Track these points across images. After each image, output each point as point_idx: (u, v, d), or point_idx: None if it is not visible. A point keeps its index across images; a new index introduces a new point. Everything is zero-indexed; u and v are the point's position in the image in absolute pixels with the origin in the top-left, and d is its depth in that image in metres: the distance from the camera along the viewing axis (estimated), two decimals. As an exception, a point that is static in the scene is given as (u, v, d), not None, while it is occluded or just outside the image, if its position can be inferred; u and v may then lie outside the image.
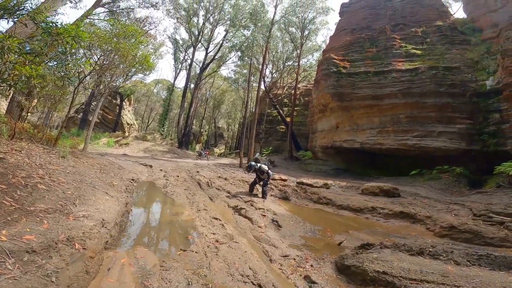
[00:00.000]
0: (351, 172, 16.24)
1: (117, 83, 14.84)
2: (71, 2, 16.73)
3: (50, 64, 7.20)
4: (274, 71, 31.49)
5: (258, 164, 8.28)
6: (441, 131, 12.72)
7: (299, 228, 5.93)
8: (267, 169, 8.20)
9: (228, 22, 28.73)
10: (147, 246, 4.26)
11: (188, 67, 32.11)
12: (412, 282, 2.99)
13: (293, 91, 26.40)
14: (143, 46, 14.71)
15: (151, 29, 24.75)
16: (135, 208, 6.30)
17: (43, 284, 2.25)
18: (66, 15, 71.15)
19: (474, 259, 3.56)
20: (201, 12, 31.20)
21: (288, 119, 25.60)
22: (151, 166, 11.65)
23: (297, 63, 26.31)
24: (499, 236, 4.97)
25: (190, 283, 3.11)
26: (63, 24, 5.85)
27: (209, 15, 30.92)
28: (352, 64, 16.06)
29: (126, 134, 30.53)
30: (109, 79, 11.14)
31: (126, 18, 19.85)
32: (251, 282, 3.37)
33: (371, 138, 14.80)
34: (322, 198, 8.55)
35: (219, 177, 10.80)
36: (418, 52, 14.92)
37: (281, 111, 27.79)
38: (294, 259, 4.21)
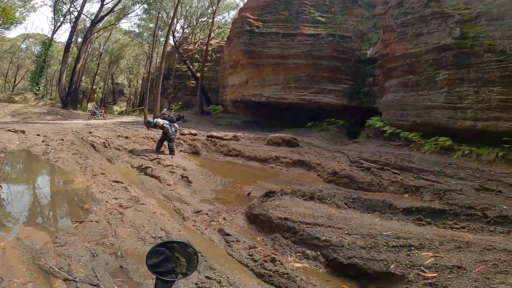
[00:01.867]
0: (259, 125, 17.49)
1: None
2: None
3: None
4: (186, 26, 29.68)
5: (156, 120, 7.94)
6: (331, 89, 15.14)
7: (210, 182, 6.00)
8: (161, 123, 7.70)
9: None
10: (31, 224, 3.67)
11: (74, 20, 25.89)
12: (308, 226, 3.31)
13: (204, 47, 25.94)
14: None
15: None
16: (5, 183, 5.13)
17: None
18: None
19: (350, 202, 4.11)
20: None
21: (198, 75, 24.94)
22: (23, 132, 9.42)
23: (211, 20, 25.59)
24: (367, 181, 6.02)
25: (95, 254, 2.84)
26: None
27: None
28: (265, 24, 16.73)
29: None
30: None
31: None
32: (165, 243, 3.25)
33: (276, 93, 16.36)
34: (232, 150, 8.80)
35: (119, 136, 9.54)
36: (323, 19, 16.49)
37: (191, 66, 26.80)
38: (207, 214, 4.26)
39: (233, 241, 3.41)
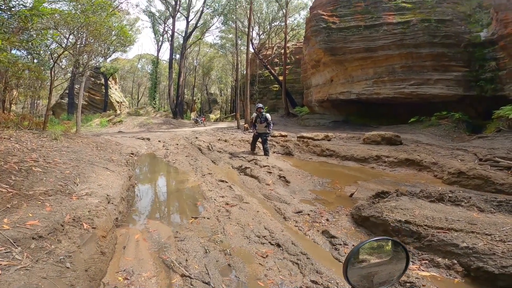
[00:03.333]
0: (349, 123, 16.40)
1: (96, 63, 14.29)
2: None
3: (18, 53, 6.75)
4: (261, 32, 30.70)
5: (256, 114, 8.10)
6: (438, 78, 13.14)
7: (307, 182, 5.83)
8: (269, 117, 8.02)
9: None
10: (158, 219, 4.13)
11: (170, 38, 30.29)
12: (439, 231, 2.83)
13: (282, 51, 26.16)
14: (116, 20, 13.66)
15: (122, 3, 22.61)
16: (139, 181, 6.18)
17: (58, 271, 2.02)
18: None
19: (494, 206, 3.38)
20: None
21: (280, 78, 25.35)
22: (148, 139, 11.45)
23: (284, 23, 25.68)
24: (509, 182, 4.81)
25: (207, 250, 2.99)
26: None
27: (184, -19, 28.04)
28: (341, 19, 15.99)
29: (118, 112, 29.94)
30: (87, 59, 10.65)
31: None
32: (269, 242, 3.21)
33: (367, 89, 15.17)
34: (325, 150, 8.43)
35: (219, 139, 10.57)
36: (408, 5, 14.74)
37: (272, 71, 27.50)
38: (308, 214, 4.08)
39: (340, 244, 3.15)
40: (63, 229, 2.50)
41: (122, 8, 22.83)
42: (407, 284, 2.28)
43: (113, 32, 10.16)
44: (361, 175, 6.47)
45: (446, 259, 2.63)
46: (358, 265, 0.80)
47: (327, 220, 3.88)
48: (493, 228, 2.76)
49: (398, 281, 0.78)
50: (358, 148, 8.29)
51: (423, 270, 2.60)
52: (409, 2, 14.81)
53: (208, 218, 3.88)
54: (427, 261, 2.70)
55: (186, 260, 2.75)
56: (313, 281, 2.41)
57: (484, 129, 11.02)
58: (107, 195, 3.78)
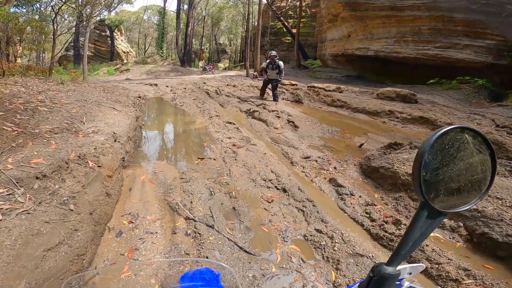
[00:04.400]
0: (363, 79, 15.73)
1: (100, 16, 13.04)
2: None
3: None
4: None
5: (268, 60, 7.78)
6: (467, 44, 12.34)
7: (316, 129, 5.70)
8: (282, 64, 7.75)
9: None
10: (164, 159, 4.12)
11: None
12: None
13: (298, 3, 24.56)
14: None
15: None
16: (146, 122, 6.15)
17: (62, 214, 1.92)
18: None
19: (508, 171, 3.15)
20: None
21: (294, 30, 24.09)
22: (156, 85, 11.25)
23: None
24: None
25: (212, 192, 2.93)
26: None
27: None
28: None
29: (125, 61, 29.47)
30: (90, 11, 10.40)
31: None
32: (275, 186, 3.18)
33: (387, 47, 14.41)
34: (336, 100, 8.13)
35: (227, 85, 10.28)
36: None
37: (286, 23, 26.12)
38: (316, 160, 4.00)
39: (346, 194, 3.09)
40: (68, 167, 2.38)
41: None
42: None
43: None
44: (370, 128, 6.29)
45: (452, 221, 2.56)
46: (433, 173, 0.51)
47: (335, 168, 3.81)
48: (505, 193, 2.61)
49: (487, 193, 0.49)
50: (370, 102, 7.96)
51: (427, 230, 2.56)
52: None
53: (214, 159, 3.84)
54: (433, 221, 2.65)
55: (191, 202, 2.71)
56: (317, 230, 2.37)
57: (506, 98, 10.46)
58: (114, 133, 3.73)
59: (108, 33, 30.80)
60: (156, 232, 2.31)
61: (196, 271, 0.91)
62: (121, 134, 3.88)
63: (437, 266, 2.02)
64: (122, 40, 35.00)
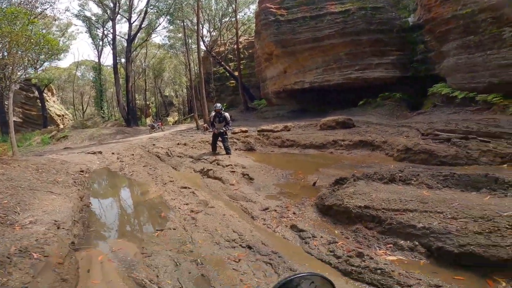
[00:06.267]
0: (306, 112, 17.01)
1: (25, 75, 13.10)
2: None
3: None
4: (211, 29, 30.05)
5: (214, 113, 7.96)
6: (378, 63, 14.25)
7: (271, 176, 5.88)
8: (228, 115, 7.98)
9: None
10: (120, 236, 3.92)
11: (111, 42, 27.72)
12: (396, 214, 2.93)
13: (235, 46, 25.95)
14: (42, 27, 12.34)
15: (46, 9, 20.25)
16: (93, 199, 5.75)
17: None
18: None
19: (441, 181, 3.52)
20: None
21: (236, 74, 25.28)
22: (100, 152, 10.56)
23: (234, 18, 25.37)
24: (450, 154, 5.29)
25: (177, 263, 2.87)
26: None
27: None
28: (289, 11, 16.43)
29: (61, 126, 27.31)
30: (10, 71, 9.54)
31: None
32: (240, 245, 3.15)
33: (318, 77, 15.88)
34: (285, 141, 8.61)
35: (178, 144, 10.13)
36: None
37: (227, 67, 27.35)
38: (275, 210, 4.08)
39: (309, 237, 3.18)
40: (11, 261, 2.37)
41: (46, 14, 20.70)
42: (378, 270, 2.33)
43: (36, 41, 9.13)
44: (322, 161, 6.73)
45: (408, 241, 2.69)
46: None
47: (294, 213, 3.92)
48: (444, 205, 2.84)
49: None
50: (316, 135, 8.59)
51: (389, 255, 2.67)
52: (347, -8, 15.69)
53: (174, 229, 3.73)
54: (391, 245, 2.78)
55: (157, 276, 2.63)
56: (288, 279, 2.40)
57: (422, 106, 12.19)
58: (55, 221, 3.57)
59: (36, 94, 27.89)
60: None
61: None
62: (64, 220, 3.69)
63: (409, 288, 2.08)
64: (54, 102, 32.27)
